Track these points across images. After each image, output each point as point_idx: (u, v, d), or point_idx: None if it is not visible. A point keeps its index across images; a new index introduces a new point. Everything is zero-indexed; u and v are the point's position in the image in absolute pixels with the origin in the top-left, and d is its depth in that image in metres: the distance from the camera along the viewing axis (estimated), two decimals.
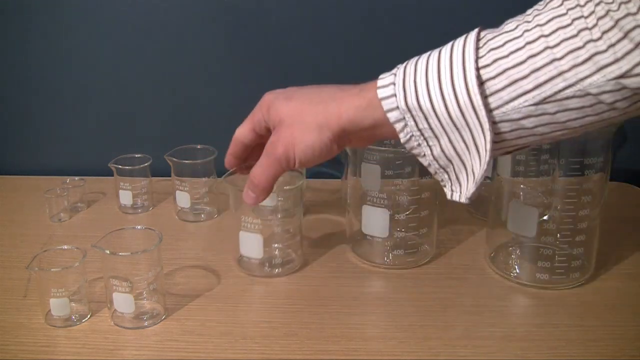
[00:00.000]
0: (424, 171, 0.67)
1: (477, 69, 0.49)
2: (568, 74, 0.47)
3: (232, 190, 0.67)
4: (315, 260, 0.71)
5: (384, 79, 0.52)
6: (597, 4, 0.46)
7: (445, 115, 0.50)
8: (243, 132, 0.60)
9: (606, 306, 0.63)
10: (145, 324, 0.59)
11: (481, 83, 0.49)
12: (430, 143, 0.52)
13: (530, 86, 0.48)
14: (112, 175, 0.82)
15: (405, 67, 0.52)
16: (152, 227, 0.62)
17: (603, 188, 0.64)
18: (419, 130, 0.51)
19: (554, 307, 0.62)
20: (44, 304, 0.59)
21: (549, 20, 0.48)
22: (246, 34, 0.90)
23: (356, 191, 0.70)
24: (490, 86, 0.49)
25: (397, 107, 0.51)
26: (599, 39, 0.46)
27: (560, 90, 0.47)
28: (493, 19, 0.52)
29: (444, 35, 0.52)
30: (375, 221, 0.68)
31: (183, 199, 0.80)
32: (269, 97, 0.58)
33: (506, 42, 0.49)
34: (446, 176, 0.54)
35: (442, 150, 0.52)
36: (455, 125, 0.50)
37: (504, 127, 0.50)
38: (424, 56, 0.52)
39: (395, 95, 0.51)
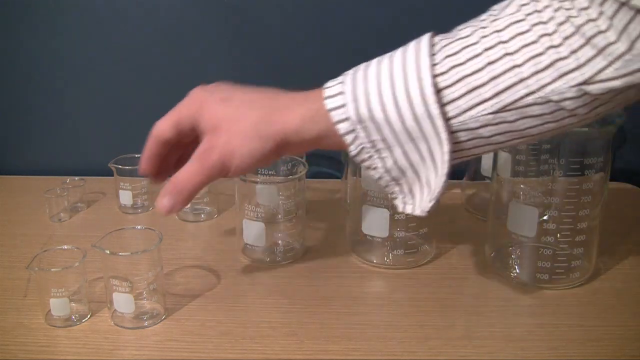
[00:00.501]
0: None
1: (434, 76, 0.47)
2: (529, 80, 0.45)
3: (237, 180, 0.68)
4: (315, 260, 0.71)
5: (331, 87, 0.50)
6: (556, 10, 0.45)
7: (400, 125, 0.47)
8: (164, 128, 0.53)
9: (606, 306, 0.63)
10: (145, 324, 0.59)
11: (438, 91, 0.47)
12: (383, 155, 0.49)
13: (489, 94, 0.46)
14: (112, 175, 0.82)
15: (354, 75, 0.49)
16: (152, 227, 0.62)
17: (603, 188, 0.64)
18: (371, 142, 0.49)
19: (554, 307, 0.62)
20: (44, 304, 0.59)
21: (507, 26, 0.46)
22: (246, 34, 0.90)
23: (356, 191, 0.70)
24: (448, 94, 0.47)
25: (348, 118, 0.48)
26: (560, 45, 0.45)
27: (521, 98, 0.46)
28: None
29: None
30: (375, 221, 0.68)
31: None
32: (201, 95, 0.53)
33: (463, 48, 0.47)
34: (397, 189, 0.52)
35: (395, 162, 0.50)
36: (410, 136, 0.48)
37: (461, 136, 0.48)
38: (374, 63, 0.50)
39: (345, 105, 0.48)
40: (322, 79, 0.58)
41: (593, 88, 0.45)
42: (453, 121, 0.47)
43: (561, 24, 0.45)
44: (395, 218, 0.68)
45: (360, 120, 0.48)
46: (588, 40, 0.44)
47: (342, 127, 0.49)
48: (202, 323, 0.60)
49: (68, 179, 0.84)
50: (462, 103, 0.47)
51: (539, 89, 0.46)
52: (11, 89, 0.93)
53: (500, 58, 0.46)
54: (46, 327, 0.59)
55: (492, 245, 0.70)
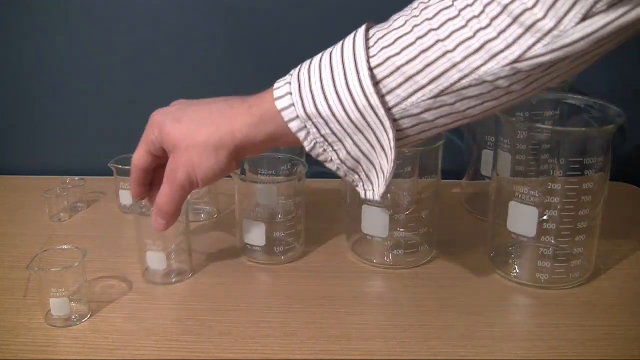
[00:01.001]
0: (424, 171, 0.67)
1: (370, 69, 0.49)
2: (462, 64, 0.47)
3: (237, 180, 0.68)
4: (315, 260, 0.71)
5: (280, 89, 0.52)
6: None
7: (346, 118, 0.50)
8: (140, 158, 0.59)
9: (606, 306, 0.63)
10: (173, 280, 0.66)
11: (376, 83, 0.49)
12: (336, 147, 0.52)
13: (425, 81, 0.48)
14: (112, 175, 0.82)
15: (299, 74, 0.52)
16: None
17: (603, 188, 0.64)
18: (322, 136, 0.52)
19: (554, 307, 0.62)
20: (43, 304, 0.59)
21: (436, 14, 0.48)
22: (246, 34, 0.90)
23: (356, 191, 0.70)
24: (386, 85, 0.49)
25: (298, 117, 0.51)
26: (488, 25, 0.46)
27: (456, 82, 0.48)
28: None
29: None
30: (375, 221, 0.68)
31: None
32: (157, 119, 0.57)
33: (397, 39, 0.49)
34: (357, 177, 0.54)
35: (349, 153, 0.52)
36: (357, 127, 0.50)
37: (405, 123, 0.50)
38: (316, 60, 0.52)
39: (293, 105, 0.51)
40: None
41: (524, 65, 0.46)
42: (395, 110, 0.50)
43: (488, 4, 0.46)
44: (395, 218, 0.68)
45: (309, 118, 0.51)
46: (515, 19, 0.45)
47: (293, 126, 0.52)
48: (202, 323, 0.60)
49: (68, 179, 0.84)
50: (401, 92, 0.49)
51: (472, 72, 0.47)
52: (11, 89, 0.93)
53: (433, 45, 0.48)
54: (46, 327, 0.59)
55: (492, 245, 0.70)
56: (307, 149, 0.53)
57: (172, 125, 0.55)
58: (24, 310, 0.61)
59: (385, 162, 0.52)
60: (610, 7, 0.43)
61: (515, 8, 0.45)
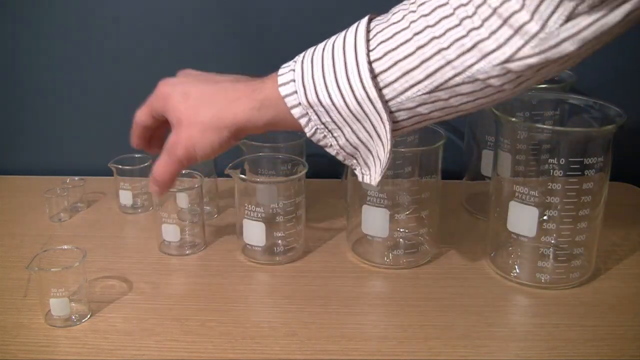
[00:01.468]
0: (424, 171, 0.67)
1: (370, 62, 0.51)
2: (456, 62, 0.48)
3: (237, 180, 0.69)
4: (315, 260, 0.71)
5: (284, 75, 0.54)
6: None
7: (345, 108, 0.52)
8: (142, 117, 0.60)
9: (606, 306, 0.63)
10: (187, 252, 0.71)
11: (375, 76, 0.51)
12: (335, 134, 0.54)
13: (421, 76, 0.50)
14: (112, 175, 0.82)
15: (302, 62, 0.54)
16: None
17: (603, 188, 0.64)
18: (323, 123, 0.53)
19: (554, 307, 0.62)
20: (43, 304, 0.59)
21: (432, 11, 0.49)
22: (246, 34, 0.89)
23: (356, 191, 0.70)
24: (384, 78, 0.51)
25: (300, 104, 0.53)
26: (481, 26, 0.47)
27: (450, 79, 0.49)
28: None
29: None
30: (375, 221, 0.68)
31: (182, 199, 0.80)
32: (165, 90, 0.58)
33: (395, 34, 0.50)
34: (355, 161, 0.56)
35: (347, 140, 0.54)
36: (355, 117, 0.52)
37: (401, 115, 0.52)
38: (319, 48, 0.54)
39: (296, 92, 0.53)
40: None
41: (514, 66, 0.47)
42: (391, 102, 0.51)
43: (479, 5, 0.47)
44: (395, 218, 0.68)
45: (310, 105, 0.53)
46: (505, 21, 0.46)
47: (296, 112, 0.53)
48: (202, 323, 0.60)
49: (68, 179, 0.84)
50: (398, 86, 0.51)
51: (464, 70, 0.48)
52: (11, 89, 0.93)
53: (429, 42, 0.49)
54: (46, 327, 0.59)
55: (492, 245, 0.70)
56: (308, 134, 0.54)
57: (178, 100, 0.56)
58: (24, 310, 0.61)
59: (382, 150, 0.53)
60: (592, 8, 0.44)
61: (504, 11, 0.46)
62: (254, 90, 0.55)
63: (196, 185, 0.72)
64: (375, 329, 0.59)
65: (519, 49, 0.46)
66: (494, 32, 0.47)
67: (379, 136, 0.52)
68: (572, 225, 0.63)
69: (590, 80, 0.77)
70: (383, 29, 0.51)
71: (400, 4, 0.53)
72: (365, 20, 0.52)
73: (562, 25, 0.45)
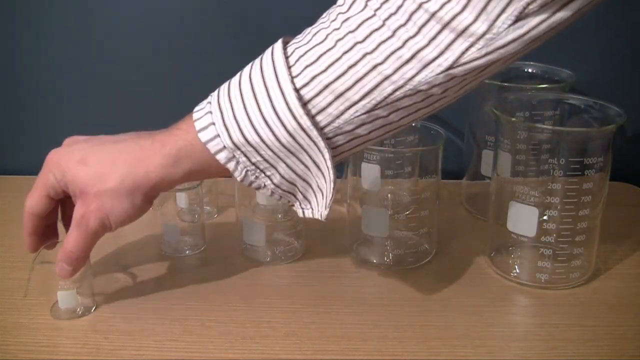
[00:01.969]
0: (423, 171, 0.67)
1: (296, 89, 0.47)
2: (394, 76, 0.45)
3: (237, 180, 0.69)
4: (315, 260, 0.71)
5: (201, 119, 0.50)
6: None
7: (276, 143, 0.48)
8: (37, 204, 0.54)
9: (606, 306, 0.63)
10: (187, 252, 0.71)
11: (305, 103, 0.47)
12: (268, 173, 0.50)
13: (357, 97, 0.46)
14: None
15: (218, 101, 0.49)
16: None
17: (603, 188, 0.64)
18: (253, 164, 0.50)
19: (554, 307, 0.62)
20: (49, 298, 0.59)
21: (359, 25, 0.46)
22: (246, 34, 0.89)
23: (356, 191, 0.70)
24: (316, 104, 0.47)
25: (225, 147, 0.49)
26: (417, 33, 0.44)
27: (389, 94, 0.46)
28: None
29: None
30: (375, 221, 0.68)
31: (182, 199, 0.80)
32: (57, 160, 0.53)
33: (320, 55, 0.47)
34: (293, 197, 0.52)
35: (283, 177, 0.50)
36: (289, 151, 0.48)
37: (339, 140, 0.49)
38: (235, 83, 0.50)
39: (219, 135, 0.49)
40: None
41: (458, 70, 0.45)
42: (327, 129, 0.48)
43: (414, 12, 0.44)
44: (395, 218, 0.68)
45: (237, 147, 0.49)
46: (445, 25, 0.44)
47: (221, 157, 0.50)
48: (202, 323, 0.60)
49: None
50: (332, 110, 0.47)
51: (405, 83, 0.45)
52: (11, 88, 0.93)
53: (361, 59, 0.46)
54: (46, 327, 0.59)
55: (492, 245, 0.70)
56: (239, 179, 0.51)
57: (77, 168, 0.52)
58: (24, 310, 0.61)
59: (322, 181, 0.50)
60: (542, 7, 0.42)
61: (444, 14, 0.43)
62: (164, 145, 0.51)
63: (196, 185, 0.72)
64: (375, 329, 0.59)
65: (463, 52, 0.44)
66: (433, 38, 0.44)
67: (317, 166, 0.49)
68: (572, 225, 0.63)
69: (590, 80, 0.77)
70: (306, 52, 0.48)
71: (317, 25, 0.49)
72: (279, 44, 0.49)
73: (510, 25, 0.43)
